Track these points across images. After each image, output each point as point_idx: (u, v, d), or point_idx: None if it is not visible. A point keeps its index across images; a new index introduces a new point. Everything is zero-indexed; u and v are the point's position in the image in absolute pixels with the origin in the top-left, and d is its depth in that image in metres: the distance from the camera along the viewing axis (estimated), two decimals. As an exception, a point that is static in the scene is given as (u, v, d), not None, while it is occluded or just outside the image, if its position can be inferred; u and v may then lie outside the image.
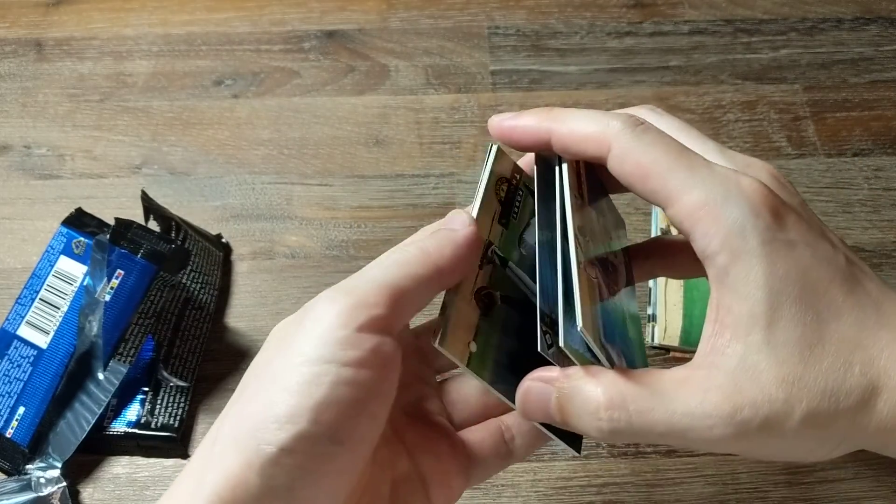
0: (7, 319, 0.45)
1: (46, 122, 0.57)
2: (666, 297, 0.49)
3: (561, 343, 0.25)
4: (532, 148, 0.29)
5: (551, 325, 0.27)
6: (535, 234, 0.29)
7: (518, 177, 0.31)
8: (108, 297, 0.44)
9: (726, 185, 0.25)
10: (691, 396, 0.25)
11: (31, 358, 0.44)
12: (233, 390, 0.26)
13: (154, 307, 0.46)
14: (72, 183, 0.55)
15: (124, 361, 0.44)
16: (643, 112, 0.30)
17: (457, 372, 0.32)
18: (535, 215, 0.30)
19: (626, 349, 0.29)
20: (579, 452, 0.31)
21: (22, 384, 0.44)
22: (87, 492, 0.44)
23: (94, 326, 0.44)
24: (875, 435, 0.25)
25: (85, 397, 0.44)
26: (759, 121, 0.58)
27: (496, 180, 0.30)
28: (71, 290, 0.45)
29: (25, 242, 0.52)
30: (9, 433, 0.43)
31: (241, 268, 0.52)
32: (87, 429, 0.43)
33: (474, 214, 0.28)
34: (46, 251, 0.47)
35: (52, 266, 0.46)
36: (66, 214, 0.48)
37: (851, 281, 0.26)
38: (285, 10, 0.63)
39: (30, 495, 0.42)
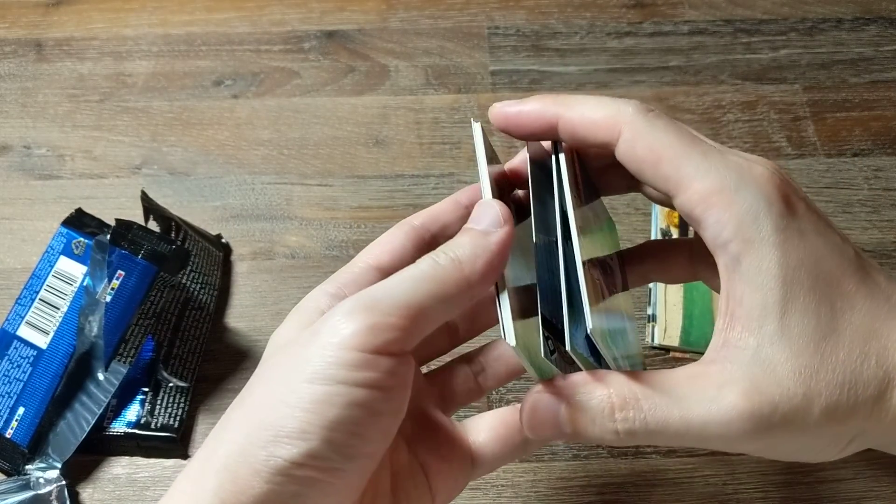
0: (7, 320, 0.45)
1: (46, 122, 0.57)
2: (666, 297, 0.49)
3: (567, 347, 0.25)
4: (536, 135, 0.28)
5: (552, 329, 0.26)
6: (531, 237, 0.28)
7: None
8: (108, 298, 0.44)
9: (739, 172, 0.25)
10: (706, 392, 0.24)
11: (31, 358, 0.44)
12: (233, 390, 0.26)
13: (154, 307, 0.46)
14: (72, 183, 0.55)
15: (124, 362, 0.44)
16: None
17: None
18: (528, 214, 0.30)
19: (627, 352, 0.29)
20: None
21: (22, 384, 0.44)
22: (87, 492, 0.44)
23: (94, 327, 0.44)
24: (889, 428, 0.25)
25: (85, 398, 0.44)
26: (759, 121, 0.58)
27: (494, 168, 0.29)
28: (71, 290, 0.45)
29: (25, 243, 0.52)
30: (8, 433, 0.43)
31: (241, 268, 0.52)
32: (87, 429, 0.43)
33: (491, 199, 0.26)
34: (46, 251, 0.47)
35: (52, 266, 0.46)
36: (66, 215, 0.48)
37: (862, 271, 0.25)
38: (285, 11, 0.63)
39: (28, 494, 0.42)
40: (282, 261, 0.52)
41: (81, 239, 0.47)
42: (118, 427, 0.44)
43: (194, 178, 0.55)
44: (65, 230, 0.47)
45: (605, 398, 0.25)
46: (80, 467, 0.44)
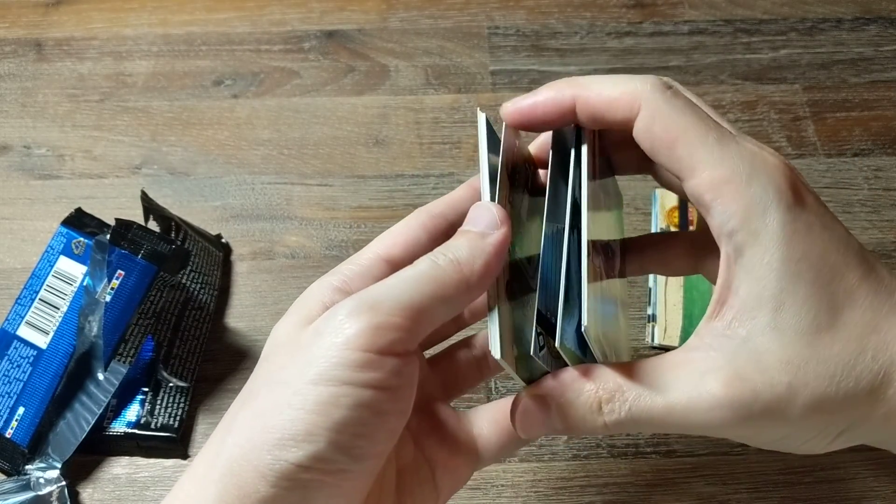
0: (7, 320, 0.45)
1: (46, 122, 0.57)
2: (666, 297, 0.49)
3: (557, 344, 0.25)
4: (554, 123, 0.28)
5: (545, 324, 0.26)
6: (542, 224, 0.27)
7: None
8: (108, 298, 0.44)
9: (753, 162, 0.25)
10: (687, 380, 0.24)
11: (31, 358, 0.44)
12: (233, 390, 0.26)
13: (154, 307, 0.46)
14: (71, 183, 0.55)
15: (124, 362, 0.44)
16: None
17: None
18: (535, 196, 0.29)
19: (615, 338, 0.29)
20: None
21: (21, 384, 0.44)
22: (87, 492, 0.44)
23: (94, 327, 0.44)
24: (881, 425, 0.25)
25: (85, 397, 0.44)
26: (759, 121, 0.58)
27: (504, 158, 0.28)
28: (71, 290, 0.45)
29: (25, 242, 0.52)
30: (8, 433, 0.43)
31: (240, 268, 0.52)
32: (87, 429, 0.43)
33: (493, 199, 0.26)
34: (46, 251, 0.47)
35: (52, 266, 0.46)
36: (65, 214, 0.47)
37: (866, 265, 0.25)
38: (285, 10, 0.63)
39: (28, 494, 0.42)
40: (282, 261, 0.52)
41: (81, 239, 0.47)
42: (118, 427, 0.44)
43: (194, 178, 0.55)
44: (65, 230, 0.47)
45: (592, 394, 0.25)
46: (80, 467, 0.44)
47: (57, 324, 0.45)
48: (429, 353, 0.35)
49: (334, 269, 0.28)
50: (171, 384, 0.46)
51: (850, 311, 0.24)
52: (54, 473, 0.43)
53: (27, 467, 0.43)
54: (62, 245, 0.47)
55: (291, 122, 0.58)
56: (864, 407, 0.24)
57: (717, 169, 0.25)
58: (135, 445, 0.45)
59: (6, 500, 0.42)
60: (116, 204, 0.54)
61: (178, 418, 0.45)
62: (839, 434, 0.25)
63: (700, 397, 0.24)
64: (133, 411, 0.45)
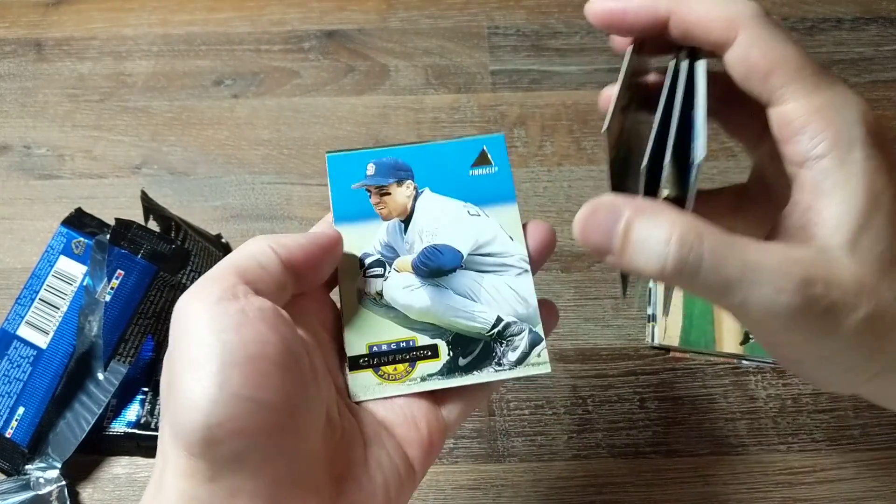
0: (7, 319, 0.45)
1: (46, 122, 0.57)
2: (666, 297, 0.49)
3: (666, 161, 0.25)
4: (640, 31, 0.28)
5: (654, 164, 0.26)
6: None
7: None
8: (108, 298, 0.44)
9: (845, 98, 0.26)
10: (771, 255, 0.24)
11: (31, 358, 0.44)
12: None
13: (154, 307, 0.46)
14: (71, 183, 0.55)
15: (124, 361, 0.44)
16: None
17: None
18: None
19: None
20: (625, 296, 0.32)
21: (21, 384, 0.44)
22: (87, 492, 0.44)
23: (94, 327, 0.44)
24: None
25: (85, 397, 0.44)
26: (759, 121, 0.58)
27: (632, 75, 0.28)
28: (71, 290, 0.45)
29: (25, 242, 0.52)
30: (8, 433, 0.43)
31: (240, 268, 0.51)
32: (87, 429, 0.43)
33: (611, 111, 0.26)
34: (46, 251, 0.47)
35: (52, 266, 0.46)
36: (65, 214, 0.48)
37: None
38: (285, 10, 0.63)
39: (28, 494, 0.42)
40: (282, 261, 0.52)
41: (81, 239, 0.47)
42: (118, 427, 0.44)
43: (194, 177, 0.55)
44: (65, 230, 0.47)
45: (669, 223, 0.24)
46: (80, 467, 0.44)
47: (57, 324, 0.45)
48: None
49: (271, 236, 0.30)
50: (171, 384, 0.46)
51: None
52: (54, 473, 0.43)
53: (27, 467, 0.43)
54: (62, 245, 0.47)
55: (291, 122, 0.58)
56: None
57: (812, 97, 0.26)
58: (135, 445, 0.45)
59: (6, 499, 0.42)
60: (116, 204, 0.54)
61: (178, 418, 0.45)
62: (876, 374, 0.26)
63: (778, 272, 0.24)
64: (133, 411, 0.45)
